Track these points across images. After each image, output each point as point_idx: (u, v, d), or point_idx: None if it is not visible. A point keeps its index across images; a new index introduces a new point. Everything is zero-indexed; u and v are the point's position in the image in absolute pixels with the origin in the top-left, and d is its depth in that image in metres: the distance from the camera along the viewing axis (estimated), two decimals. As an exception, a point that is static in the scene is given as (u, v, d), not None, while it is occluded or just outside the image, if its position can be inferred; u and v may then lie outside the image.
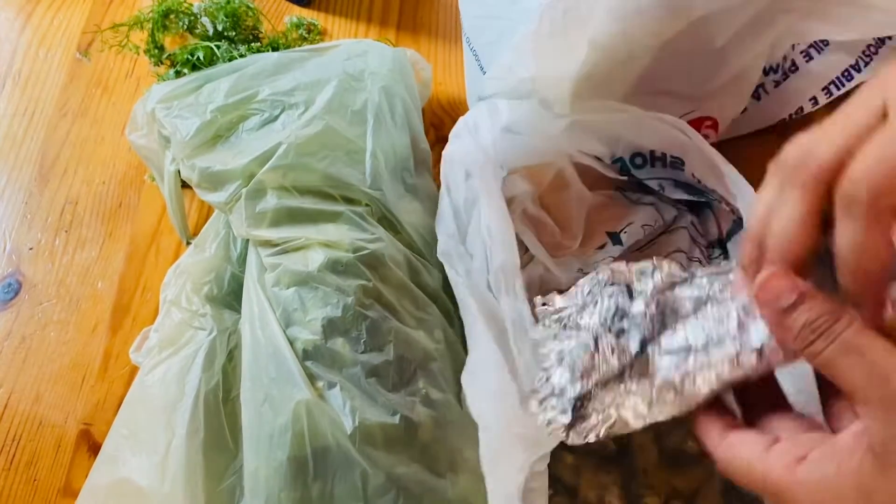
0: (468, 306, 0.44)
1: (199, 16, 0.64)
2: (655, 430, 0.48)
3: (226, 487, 0.46)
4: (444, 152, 0.51)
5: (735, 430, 0.28)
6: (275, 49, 0.63)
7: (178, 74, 0.61)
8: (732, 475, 0.28)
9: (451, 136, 0.50)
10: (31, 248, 0.59)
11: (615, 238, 0.54)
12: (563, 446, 0.43)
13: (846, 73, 0.57)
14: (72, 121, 0.64)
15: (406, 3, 0.69)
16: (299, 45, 0.65)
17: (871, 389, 0.23)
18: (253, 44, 0.64)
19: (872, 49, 0.57)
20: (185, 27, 0.64)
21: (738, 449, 0.27)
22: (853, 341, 0.23)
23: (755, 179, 0.38)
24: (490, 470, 0.41)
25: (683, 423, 0.38)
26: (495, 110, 0.49)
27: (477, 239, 0.46)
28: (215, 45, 0.61)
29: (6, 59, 0.66)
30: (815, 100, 0.59)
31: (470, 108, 0.57)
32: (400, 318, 0.48)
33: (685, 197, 0.53)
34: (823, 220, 0.24)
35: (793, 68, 0.58)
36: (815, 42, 0.57)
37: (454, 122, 0.63)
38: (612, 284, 0.34)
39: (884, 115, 0.22)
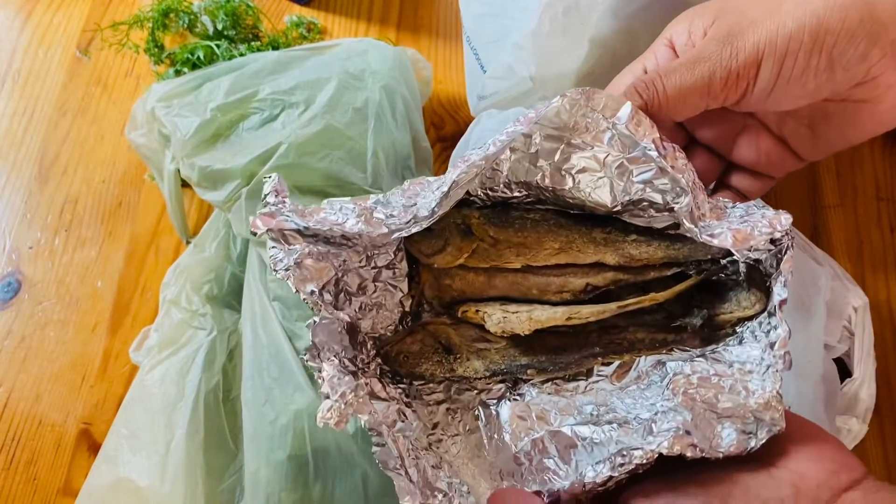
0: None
1: (198, 15, 0.64)
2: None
3: (226, 487, 0.46)
4: (454, 154, 0.50)
5: None
6: (275, 48, 0.63)
7: (178, 73, 0.60)
8: None
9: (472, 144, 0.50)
10: (30, 248, 0.59)
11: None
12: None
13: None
14: (71, 120, 0.64)
15: (406, 1, 0.69)
16: (299, 44, 0.65)
17: None
18: (253, 43, 0.64)
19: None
20: (185, 26, 0.64)
21: None
22: None
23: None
24: None
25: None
26: None
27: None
28: (215, 44, 0.61)
29: (6, 57, 0.66)
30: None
31: (471, 107, 0.57)
32: (400, 318, 0.48)
33: None
34: None
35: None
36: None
37: (455, 120, 0.63)
38: None
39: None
